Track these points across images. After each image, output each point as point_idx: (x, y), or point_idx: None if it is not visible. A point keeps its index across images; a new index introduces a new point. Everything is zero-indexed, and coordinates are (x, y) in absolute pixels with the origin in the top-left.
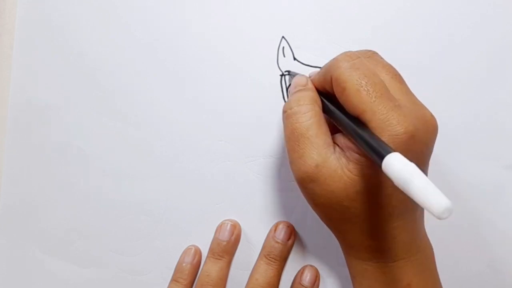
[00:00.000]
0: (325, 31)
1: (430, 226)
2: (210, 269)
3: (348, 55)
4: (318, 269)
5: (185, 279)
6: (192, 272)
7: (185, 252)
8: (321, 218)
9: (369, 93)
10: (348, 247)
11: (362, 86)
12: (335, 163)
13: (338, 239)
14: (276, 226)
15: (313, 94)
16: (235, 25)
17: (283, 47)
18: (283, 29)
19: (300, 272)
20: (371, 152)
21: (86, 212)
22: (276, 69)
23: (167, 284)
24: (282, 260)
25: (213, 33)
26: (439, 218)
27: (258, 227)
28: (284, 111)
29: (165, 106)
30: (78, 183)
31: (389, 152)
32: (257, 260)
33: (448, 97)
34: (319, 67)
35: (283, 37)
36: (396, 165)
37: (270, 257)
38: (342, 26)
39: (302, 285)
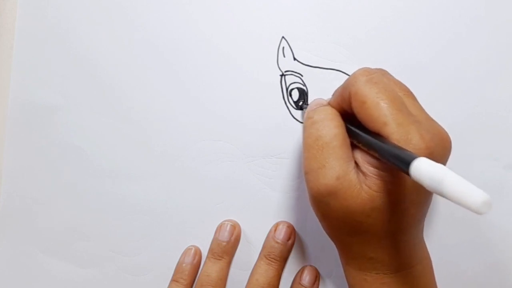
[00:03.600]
0: (325, 31)
1: (430, 226)
2: (210, 269)
3: (365, 70)
4: (318, 269)
5: (185, 279)
6: (192, 272)
7: (185, 253)
8: (326, 230)
9: (390, 107)
10: (349, 258)
11: (382, 100)
12: (355, 178)
13: (339, 250)
14: (276, 226)
15: (336, 110)
16: (235, 25)
17: (283, 47)
18: (283, 29)
19: (300, 272)
20: (397, 160)
21: (86, 212)
22: (276, 69)
23: (167, 284)
24: (282, 260)
25: (213, 34)
26: (479, 213)
27: (258, 227)
28: (309, 117)
29: (165, 106)
30: (78, 183)
31: (416, 157)
32: (257, 260)
33: (447, 97)
34: (319, 67)
35: (283, 37)
36: (426, 168)
37: (270, 257)
38: (342, 26)
39: (302, 285)
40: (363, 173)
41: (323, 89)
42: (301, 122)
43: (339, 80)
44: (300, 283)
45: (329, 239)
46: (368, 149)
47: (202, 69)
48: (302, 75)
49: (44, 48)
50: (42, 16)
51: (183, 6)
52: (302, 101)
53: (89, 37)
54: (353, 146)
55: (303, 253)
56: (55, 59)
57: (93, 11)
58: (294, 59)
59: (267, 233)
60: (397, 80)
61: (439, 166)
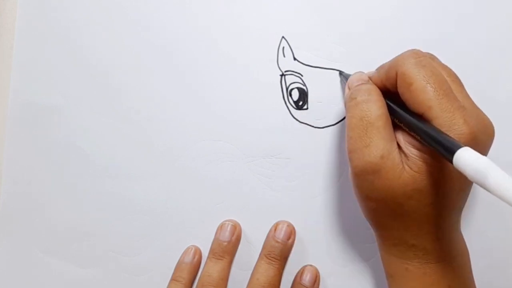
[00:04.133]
0: (325, 31)
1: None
2: (211, 269)
3: (415, 52)
4: (318, 269)
5: (184, 278)
6: (191, 271)
7: (185, 252)
8: (367, 212)
9: (436, 91)
10: (390, 245)
11: (429, 83)
12: (398, 157)
13: (379, 236)
14: (276, 226)
15: (378, 89)
16: (235, 25)
17: (283, 47)
18: (283, 29)
19: (300, 272)
20: (440, 147)
21: (86, 212)
22: (276, 69)
23: (167, 284)
24: (282, 260)
25: (213, 33)
26: None
27: (258, 227)
28: (353, 98)
29: (165, 106)
30: (78, 183)
31: (460, 147)
32: (257, 260)
33: None
34: (319, 67)
35: (283, 37)
36: (469, 159)
37: (270, 257)
38: (342, 26)
39: (302, 285)
40: (405, 154)
41: (323, 89)
42: (301, 122)
43: (339, 80)
44: (300, 283)
45: (329, 239)
46: (410, 130)
47: (202, 69)
48: (302, 75)
49: (44, 48)
50: (42, 16)
51: (183, 6)
52: (302, 101)
53: (89, 37)
54: (395, 126)
55: (303, 252)
56: (55, 59)
57: (93, 11)
58: (294, 59)
59: (267, 233)
60: (445, 65)
61: (484, 158)
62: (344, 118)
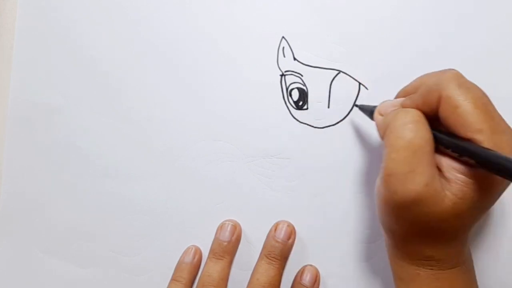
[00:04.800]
0: (325, 31)
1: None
2: (211, 269)
3: (456, 74)
4: (318, 269)
5: (184, 278)
6: (191, 271)
7: (185, 252)
8: (389, 229)
9: (485, 114)
10: (403, 253)
11: (477, 106)
12: (439, 185)
13: (393, 246)
14: (276, 226)
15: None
16: (235, 25)
17: (283, 47)
18: (283, 29)
19: (300, 272)
20: (504, 168)
21: (86, 212)
22: (276, 69)
23: (167, 284)
24: (283, 260)
25: (213, 34)
26: None
27: (258, 227)
28: (398, 118)
29: (165, 106)
30: (78, 183)
31: None
32: (258, 260)
33: None
34: (319, 67)
35: (283, 37)
36: None
37: (271, 257)
38: (342, 26)
39: (302, 285)
40: (447, 179)
41: (323, 89)
42: (301, 122)
43: (339, 80)
44: (300, 283)
45: (329, 239)
46: (461, 155)
47: (202, 69)
48: (302, 75)
49: (44, 48)
50: (42, 16)
51: (183, 6)
52: (302, 101)
53: (89, 37)
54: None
55: (303, 252)
56: (55, 59)
57: (93, 11)
58: (294, 59)
59: (267, 233)
60: (478, 86)
61: None
62: (344, 118)
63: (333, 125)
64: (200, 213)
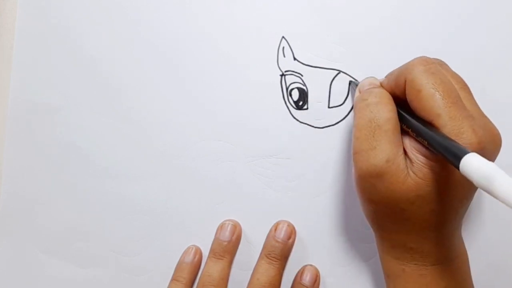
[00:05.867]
0: (325, 31)
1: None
2: (211, 269)
3: (424, 60)
4: (318, 269)
5: (184, 278)
6: (192, 271)
7: (185, 252)
8: (368, 214)
9: (445, 99)
10: (388, 246)
11: (438, 91)
12: (403, 163)
13: (378, 237)
14: (276, 226)
15: (389, 95)
16: (235, 25)
17: (283, 47)
18: (283, 29)
19: (300, 272)
20: (447, 152)
21: (86, 212)
22: (276, 69)
23: (167, 284)
24: (283, 259)
25: (213, 33)
26: None
27: (258, 227)
28: (364, 99)
29: (165, 106)
30: (78, 183)
31: (467, 152)
32: (258, 260)
33: None
34: (319, 67)
35: (283, 37)
36: (476, 164)
37: (271, 257)
38: (342, 26)
39: (302, 285)
40: (410, 160)
41: (323, 89)
42: (301, 122)
43: (339, 80)
44: (300, 283)
45: (329, 239)
46: (418, 136)
47: (202, 69)
48: (302, 75)
49: (44, 48)
50: (42, 16)
51: (183, 6)
52: (302, 101)
53: (89, 37)
54: (402, 132)
55: (303, 252)
56: (55, 59)
57: (93, 11)
58: (294, 59)
59: (267, 233)
60: (454, 73)
61: (490, 164)
62: (344, 118)
63: (333, 125)
64: (200, 213)
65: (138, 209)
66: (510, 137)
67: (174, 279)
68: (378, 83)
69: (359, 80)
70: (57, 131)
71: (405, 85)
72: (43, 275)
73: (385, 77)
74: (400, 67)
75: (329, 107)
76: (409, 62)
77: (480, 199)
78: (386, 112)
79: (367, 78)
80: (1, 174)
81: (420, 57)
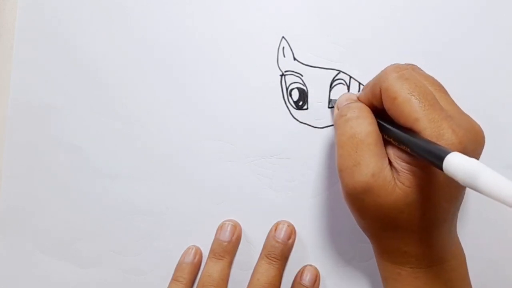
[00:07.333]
0: (325, 31)
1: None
2: (211, 269)
3: (396, 66)
4: (318, 269)
5: (185, 278)
6: (192, 271)
7: (185, 252)
8: (361, 225)
9: (421, 102)
10: (383, 251)
11: (413, 95)
12: (389, 174)
13: (374, 244)
14: (276, 226)
15: (368, 107)
16: (235, 25)
17: (283, 47)
18: (283, 29)
19: (300, 272)
20: (429, 155)
21: (86, 212)
22: (276, 69)
23: (167, 284)
24: (283, 260)
25: (213, 34)
26: None
27: (258, 227)
28: (342, 115)
29: (165, 106)
30: (78, 183)
31: (449, 152)
32: (258, 260)
33: None
34: (319, 67)
35: (283, 37)
36: (459, 162)
37: (271, 257)
38: (342, 26)
39: (302, 285)
40: (396, 169)
41: (323, 89)
42: (301, 122)
43: (339, 80)
44: (300, 283)
45: (329, 239)
46: (400, 144)
47: (202, 69)
48: (302, 75)
49: (44, 48)
50: (42, 16)
51: (182, 6)
52: (302, 101)
53: (89, 37)
54: (385, 142)
55: (303, 252)
56: (55, 59)
57: (93, 11)
58: (294, 59)
59: (267, 233)
60: (428, 75)
61: (473, 160)
62: None
63: (333, 125)
64: (200, 213)
65: (138, 209)
66: (510, 137)
67: (174, 279)
68: (355, 98)
69: (359, 80)
70: (57, 131)
71: (381, 94)
72: (43, 275)
73: (362, 90)
74: (374, 77)
75: (329, 107)
76: (382, 71)
77: (479, 199)
78: (366, 125)
79: (343, 94)
80: (1, 174)
81: (392, 64)
